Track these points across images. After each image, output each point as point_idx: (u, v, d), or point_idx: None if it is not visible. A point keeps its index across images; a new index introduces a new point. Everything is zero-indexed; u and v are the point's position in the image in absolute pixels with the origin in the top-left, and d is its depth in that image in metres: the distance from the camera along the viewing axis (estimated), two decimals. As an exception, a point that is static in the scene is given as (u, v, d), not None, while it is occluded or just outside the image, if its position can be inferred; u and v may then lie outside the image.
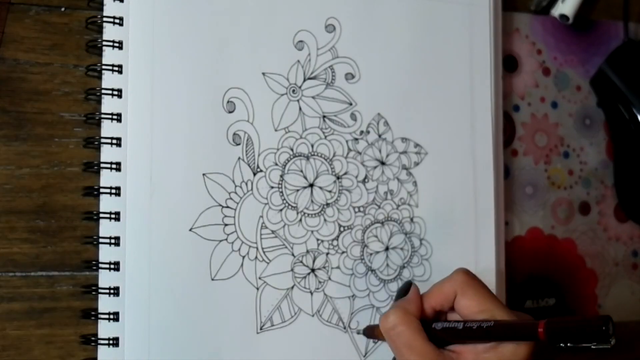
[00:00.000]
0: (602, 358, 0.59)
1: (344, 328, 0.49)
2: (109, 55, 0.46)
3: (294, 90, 0.50)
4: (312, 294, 0.49)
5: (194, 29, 0.47)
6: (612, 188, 0.62)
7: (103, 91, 0.46)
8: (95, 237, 0.45)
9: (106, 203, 0.45)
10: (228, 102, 0.48)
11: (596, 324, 0.36)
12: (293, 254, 0.49)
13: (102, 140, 0.45)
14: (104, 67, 0.46)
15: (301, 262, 0.49)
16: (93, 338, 0.44)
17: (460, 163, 0.53)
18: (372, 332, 0.48)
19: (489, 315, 0.42)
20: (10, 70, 0.46)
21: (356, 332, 0.50)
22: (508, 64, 0.59)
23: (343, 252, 0.50)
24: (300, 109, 0.50)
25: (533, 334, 0.39)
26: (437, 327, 0.43)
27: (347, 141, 0.51)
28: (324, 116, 0.50)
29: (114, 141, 0.45)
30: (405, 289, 0.46)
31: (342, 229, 0.50)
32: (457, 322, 0.42)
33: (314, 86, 0.50)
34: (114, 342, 0.44)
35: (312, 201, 0.49)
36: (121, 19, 0.46)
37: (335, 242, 0.50)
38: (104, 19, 0.46)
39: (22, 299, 0.44)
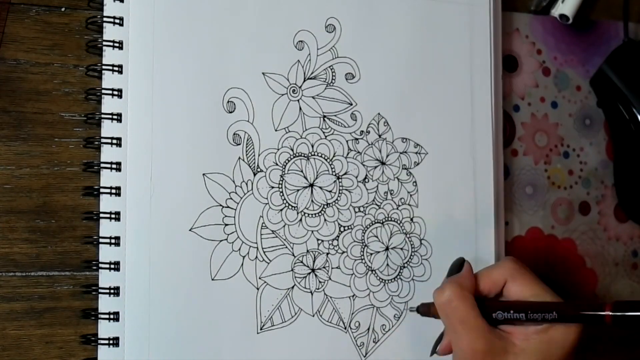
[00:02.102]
0: (602, 358, 0.59)
1: (344, 328, 0.49)
2: (109, 55, 0.46)
3: (294, 90, 0.50)
4: (312, 294, 0.49)
5: (194, 29, 0.47)
6: (612, 188, 0.62)
7: (103, 91, 0.46)
8: (95, 237, 0.45)
9: (106, 203, 0.45)
10: (228, 102, 0.48)
11: None
12: (293, 254, 0.49)
13: (102, 140, 0.45)
14: (104, 67, 0.46)
15: (301, 262, 0.49)
16: (93, 338, 0.44)
17: (460, 163, 0.53)
18: (427, 310, 0.48)
19: (541, 299, 0.43)
20: (10, 70, 0.46)
21: (409, 310, 0.50)
22: (508, 64, 0.59)
23: (343, 252, 0.50)
24: (300, 109, 0.50)
25: (599, 319, 0.39)
26: (498, 317, 0.43)
27: (347, 141, 0.51)
28: (324, 116, 0.50)
29: (114, 141, 0.45)
30: (459, 265, 0.46)
31: (342, 229, 0.50)
32: (518, 312, 0.42)
33: (314, 86, 0.50)
34: (114, 342, 0.44)
35: (312, 201, 0.49)
36: (121, 19, 0.46)
37: (335, 242, 0.50)
38: (104, 19, 0.46)
39: (22, 299, 0.44)
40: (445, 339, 0.46)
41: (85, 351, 0.45)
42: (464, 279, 0.45)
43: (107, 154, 0.45)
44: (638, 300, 0.40)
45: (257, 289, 0.48)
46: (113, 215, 0.45)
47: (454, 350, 0.44)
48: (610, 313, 0.39)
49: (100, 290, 0.44)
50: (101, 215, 0.45)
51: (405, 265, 0.51)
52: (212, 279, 0.46)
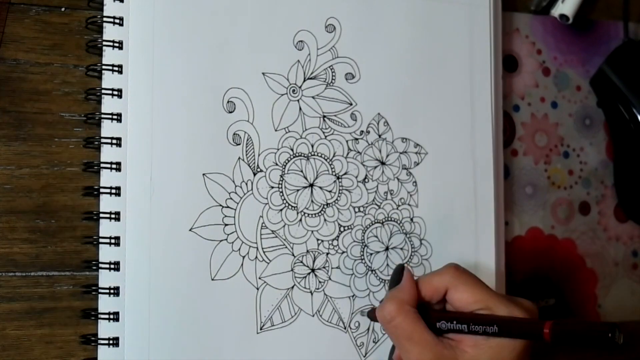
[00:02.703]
0: (602, 358, 0.59)
1: (344, 328, 0.49)
2: (109, 55, 0.46)
3: (294, 90, 0.50)
4: (312, 294, 0.49)
5: (194, 29, 0.47)
6: (612, 188, 0.62)
7: (103, 91, 0.46)
8: (95, 237, 0.45)
9: (106, 203, 0.45)
10: (228, 102, 0.48)
11: (602, 331, 0.37)
12: (293, 254, 0.49)
13: (102, 140, 0.45)
14: (104, 67, 0.46)
15: (301, 262, 0.49)
16: (93, 338, 0.44)
17: (460, 163, 0.53)
18: (375, 316, 0.48)
19: (484, 305, 0.42)
20: (10, 70, 0.46)
21: (360, 314, 0.50)
22: (508, 64, 0.59)
23: (343, 252, 0.50)
24: (300, 109, 0.50)
25: (538, 335, 0.39)
26: (442, 327, 0.43)
27: (347, 141, 0.51)
28: (324, 116, 0.50)
29: (114, 141, 0.45)
30: (398, 274, 0.45)
31: (342, 229, 0.50)
32: (461, 324, 0.42)
33: (314, 86, 0.50)
34: (114, 342, 0.44)
35: (312, 201, 0.49)
36: (121, 19, 0.46)
37: (335, 242, 0.50)
38: (104, 19, 0.46)
39: (22, 299, 0.44)
40: (396, 353, 0.46)
41: (85, 351, 0.45)
42: (404, 291, 0.44)
43: (107, 154, 0.45)
44: (576, 321, 0.40)
45: (257, 289, 0.48)
46: (113, 215, 0.45)
47: None
48: (548, 331, 0.39)
49: (100, 290, 0.44)
50: (101, 215, 0.45)
51: (405, 265, 0.51)
52: (212, 279, 0.46)
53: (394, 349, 0.47)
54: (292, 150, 0.49)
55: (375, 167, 0.51)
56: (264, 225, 0.48)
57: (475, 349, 0.42)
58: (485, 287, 0.43)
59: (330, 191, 0.50)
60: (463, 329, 0.42)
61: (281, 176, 0.49)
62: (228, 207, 0.47)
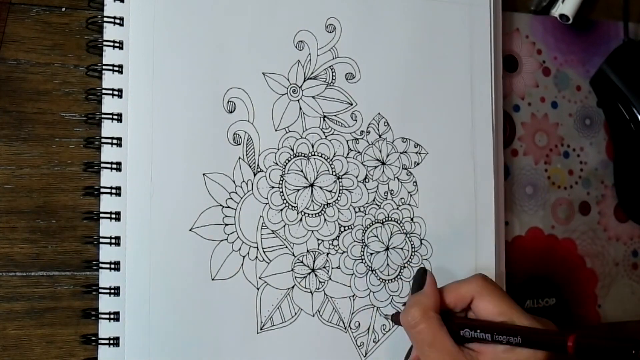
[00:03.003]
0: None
1: (345, 328, 0.49)
2: (110, 55, 0.46)
3: (294, 90, 0.50)
4: (312, 293, 0.49)
5: (194, 29, 0.47)
6: (612, 188, 0.62)
7: (103, 91, 0.46)
8: (95, 237, 0.45)
9: (106, 203, 0.45)
10: (228, 102, 0.48)
11: (626, 347, 0.37)
12: (293, 254, 0.49)
13: (103, 140, 0.45)
14: (104, 67, 0.46)
15: (301, 262, 0.49)
16: (93, 338, 0.44)
17: (460, 163, 0.53)
18: (400, 320, 0.48)
19: (507, 318, 0.43)
20: (10, 70, 0.46)
21: (384, 317, 0.50)
22: (508, 64, 0.59)
23: (343, 252, 0.50)
24: (300, 108, 0.50)
25: (562, 347, 0.40)
26: (465, 335, 0.43)
27: (347, 141, 0.51)
28: (324, 116, 0.50)
29: (114, 141, 0.45)
30: (421, 278, 0.46)
31: (342, 228, 0.50)
32: (484, 332, 0.42)
33: (314, 86, 0.50)
34: (114, 342, 0.44)
35: (312, 201, 0.49)
36: (121, 19, 0.46)
37: (335, 242, 0.50)
38: (105, 19, 0.46)
39: (22, 298, 0.45)
40: (414, 353, 0.46)
41: (85, 351, 0.45)
42: (428, 297, 0.44)
43: (107, 154, 0.45)
44: (600, 337, 0.41)
45: (257, 289, 0.48)
46: (113, 215, 0.45)
47: None
48: (572, 344, 0.39)
49: (100, 290, 0.44)
50: (101, 215, 0.45)
51: (406, 265, 0.51)
52: (212, 279, 0.46)
53: (410, 351, 0.47)
54: (292, 150, 0.49)
55: (376, 167, 0.51)
56: (264, 225, 0.48)
57: None
58: (511, 300, 0.44)
59: (330, 191, 0.50)
60: (487, 338, 0.42)
61: (281, 176, 0.49)
62: (228, 207, 0.47)
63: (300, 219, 0.49)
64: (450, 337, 0.43)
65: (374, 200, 0.51)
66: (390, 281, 0.51)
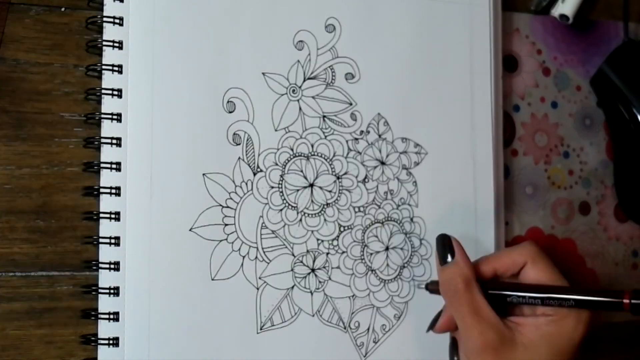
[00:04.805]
0: (602, 358, 0.59)
1: (344, 328, 0.49)
2: (109, 55, 0.46)
3: (294, 90, 0.50)
4: (312, 294, 0.49)
5: (194, 29, 0.47)
6: (612, 188, 0.62)
7: (103, 91, 0.46)
8: (95, 237, 0.45)
9: (106, 203, 0.45)
10: (228, 102, 0.48)
11: None
12: (293, 254, 0.49)
13: (102, 140, 0.45)
14: (104, 67, 0.46)
15: (301, 262, 0.49)
16: (93, 338, 0.44)
17: (460, 163, 0.53)
18: (437, 288, 0.47)
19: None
20: (10, 70, 0.46)
21: (417, 287, 0.50)
22: (508, 64, 0.59)
23: (343, 252, 0.50)
24: (300, 109, 0.50)
25: (618, 304, 0.40)
26: (513, 300, 0.43)
27: (347, 141, 0.51)
28: (324, 116, 0.50)
29: (114, 141, 0.45)
30: (446, 245, 0.46)
31: (342, 228, 0.50)
32: (534, 297, 0.43)
33: (314, 86, 0.50)
34: (114, 342, 0.44)
35: (312, 201, 0.49)
36: (121, 19, 0.46)
37: (335, 242, 0.50)
38: (104, 19, 0.46)
39: (22, 299, 0.45)
40: (445, 316, 0.46)
41: (85, 351, 0.45)
42: (465, 266, 0.44)
43: (107, 154, 0.45)
44: None
45: (257, 289, 0.48)
46: (113, 215, 0.45)
47: (462, 340, 0.44)
48: (629, 301, 0.40)
49: (100, 290, 0.44)
50: (101, 215, 0.45)
51: (405, 265, 0.51)
52: (212, 279, 0.46)
53: (438, 316, 0.47)
54: (292, 150, 0.49)
55: (375, 167, 0.51)
56: (264, 225, 0.48)
57: (534, 333, 0.42)
58: (559, 272, 0.44)
59: (330, 191, 0.50)
60: (537, 302, 0.42)
61: (281, 176, 0.49)
62: (228, 207, 0.47)
63: (300, 219, 0.49)
64: (491, 308, 0.43)
65: (373, 200, 0.51)
66: (390, 281, 0.51)
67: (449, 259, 0.45)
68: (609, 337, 0.59)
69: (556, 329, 0.42)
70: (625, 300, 0.40)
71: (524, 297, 0.43)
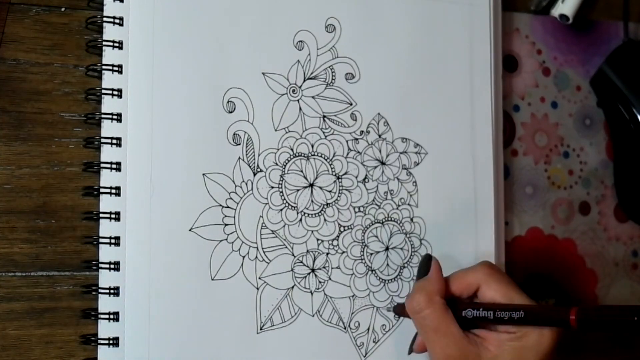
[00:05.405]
0: (602, 358, 0.59)
1: (344, 328, 0.49)
2: (109, 55, 0.46)
3: (294, 90, 0.50)
4: (312, 294, 0.49)
5: (194, 29, 0.47)
6: (612, 188, 0.62)
7: (103, 91, 0.46)
8: (95, 237, 0.45)
9: (106, 203, 0.45)
10: (228, 102, 0.48)
11: (628, 314, 0.37)
12: (293, 254, 0.49)
13: (102, 140, 0.45)
14: (104, 67, 0.46)
15: (301, 262, 0.49)
16: (93, 338, 0.44)
17: (460, 163, 0.53)
18: (402, 311, 0.48)
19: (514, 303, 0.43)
20: (10, 70, 0.46)
21: (386, 309, 0.50)
22: (508, 64, 0.59)
23: (343, 252, 0.50)
24: (300, 109, 0.50)
25: (564, 321, 0.39)
26: (467, 315, 0.43)
27: (347, 141, 0.51)
28: (324, 116, 0.50)
29: (114, 141, 0.45)
30: (426, 264, 0.46)
31: (342, 229, 0.50)
32: (487, 310, 0.43)
33: (314, 86, 0.50)
34: (114, 342, 0.44)
35: (312, 201, 0.49)
36: (121, 19, 0.46)
37: (335, 242, 0.50)
38: (104, 19, 0.46)
39: (22, 299, 0.44)
40: (419, 338, 0.46)
41: (85, 351, 0.45)
42: (433, 283, 0.44)
43: (107, 154, 0.45)
44: (601, 306, 0.40)
45: (257, 289, 0.48)
46: (113, 215, 0.45)
47: (429, 355, 0.44)
48: (575, 317, 0.39)
49: (100, 290, 0.44)
50: (101, 215, 0.45)
51: (405, 265, 0.51)
52: (212, 279, 0.46)
53: (415, 337, 0.48)
54: (292, 150, 0.49)
55: (375, 167, 0.51)
56: (264, 225, 0.48)
57: (499, 348, 0.42)
58: (517, 287, 0.44)
59: (330, 191, 0.50)
60: (489, 316, 0.42)
61: (281, 176, 0.49)
62: (228, 207, 0.47)
63: (300, 219, 0.49)
64: (456, 322, 0.43)
65: (373, 200, 0.51)
66: (390, 281, 0.51)
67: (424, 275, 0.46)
68: (609, 337, 0.59)
69: (520, 344, 0.42)
70: (572, 317, 0.39)
71: (477, 311, 0.43)
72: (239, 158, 0.48)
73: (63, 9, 0.47)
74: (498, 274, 0.44)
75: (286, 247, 0.48)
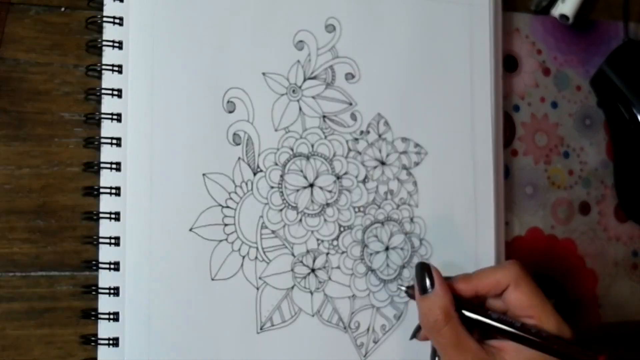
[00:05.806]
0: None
1: (344, 328, 0.49)
2: (109, 55, 0.46)
3: (294, 90, 0.50)
4: (312, 294, 0.49)
5: (194, 29, 0.47)
6: (612, 188, 0.62)
7: (103, 91, 0.46)
8: (95, 237, 0.45)
9: (106, 203, 0.45)
10: (228, 102, 0.48)
11: None
12: (293, 254, 0.49)
13: (102, 140, 0.45)
14: (104, 67, 0.46)
15: (301, 262, 0.49)
16: (93, 338, 0.44)
17: (460, 163, 0.53)
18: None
19: (537, 313, 0.43)
20: (10, 70, 0.46)
21: (398, 287, 0.50)
22: (508, 64, 0.59)
23: (343, 252, 0.50)
24: (300, 109, 0.50)
25: None
26: (492, 342, 0.43)
27: (347, 141, 0.51)
28: (324, 116, 0.50)
29: (114, 141, 0.45)
30: (422, 273, 0.45)
31: (342, 229, 0.50)
32: (515, 339, 0.43)
33: (314, 86, 0.50)
34: (114, 342, 0.44)
35: (312, 201, 0.49)
36: (121, 19, 0.46)
37: (335, 242, 0.50)
38: (104, 19, 0.46)
39: (22, 299, 0.44)
40: (423, 333, 0.46)
41: (85, 351, 0.45)
42: (442, 297, 0.44)
43: (107, 154, 0.45)
44: (629, 354, 0.41)
45: (257, 289, 0.47)
46: (113, 215, 0.45)
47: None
48: None
49: (100, 291, 0.44)
50: (101, 215, 0.45)
51: (405, 265, 0.51)
52: (212, 279, 0.46)
53: (419, 327, 0.47)
54: (292, 150, 0.49)
55: (375, 167, 0.51)
56: (264, 225, 0.48)
57: (516, 358, 0.42)
58: (542, 294, 0.44)
59: (330, 191, 0.50)
60: (507, 335, 0.43)
61: (281, 176, 0.49)
62: (228, 207, 0.47)
63: (300, 219, 0.49)
64: (471, 336, 0.43)
65: (373, 200, 0.51)
66: (389, 281, 0.51)
67: (429, 287, 0.45)
68: (608, 336, 0.59)
69: (537, 353, 0.42)
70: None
71: (496, 327, 0.43)
72: (239, 158, 0.48)
73: (63, 9, 0.47)
74: (528, 277, 0.44)
75: (286, 247, 0.48)
